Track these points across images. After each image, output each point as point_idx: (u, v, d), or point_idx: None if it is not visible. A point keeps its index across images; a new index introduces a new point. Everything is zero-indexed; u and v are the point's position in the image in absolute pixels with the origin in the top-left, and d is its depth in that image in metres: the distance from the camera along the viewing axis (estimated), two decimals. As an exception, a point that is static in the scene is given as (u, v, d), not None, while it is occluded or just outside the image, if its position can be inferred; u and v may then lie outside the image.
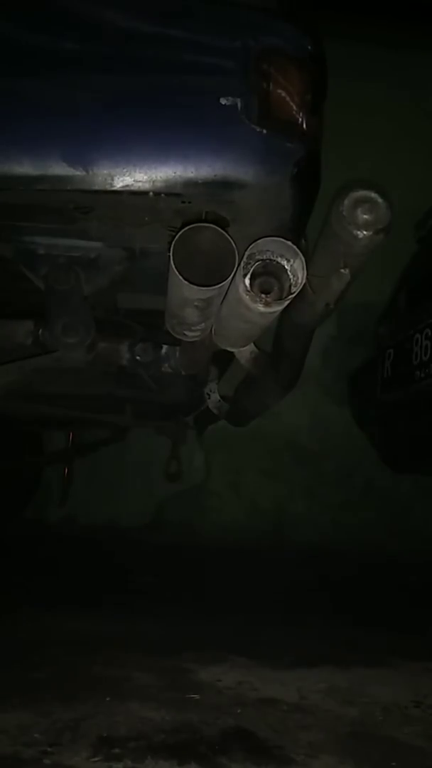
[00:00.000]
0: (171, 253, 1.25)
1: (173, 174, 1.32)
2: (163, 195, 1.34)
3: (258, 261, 1.24)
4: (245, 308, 1.29)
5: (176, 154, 1.33)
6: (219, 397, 2.51)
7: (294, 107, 1.37)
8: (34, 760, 1.12)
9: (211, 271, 1.28)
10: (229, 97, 1.32)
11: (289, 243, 1.25)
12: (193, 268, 1.27)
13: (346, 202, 1.21)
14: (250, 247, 1.24)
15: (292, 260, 1.25)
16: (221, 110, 1.32)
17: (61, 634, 1.91)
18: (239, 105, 1.32)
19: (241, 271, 1.24)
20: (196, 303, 1.38)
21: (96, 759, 1.13)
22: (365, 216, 1.21)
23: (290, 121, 1.37)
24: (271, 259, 1.25)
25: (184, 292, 1.32)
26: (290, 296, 1.25)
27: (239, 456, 4.17)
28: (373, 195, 1.22)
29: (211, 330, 1.60)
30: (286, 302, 1.26)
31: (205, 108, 1.34)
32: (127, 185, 1.32)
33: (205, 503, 4.19)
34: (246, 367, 1.90)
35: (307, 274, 1.27)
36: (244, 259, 1.24)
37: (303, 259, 1.25)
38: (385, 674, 1.71)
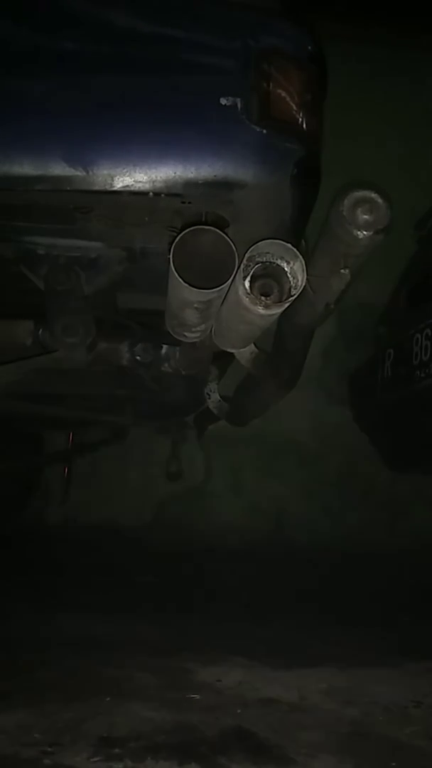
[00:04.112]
0: (171, 256, 1.25)
1: (173, 174, 1.32)
2: (163, 195, 1.34)
3: (258, 263, 1.24)
4: (245, 310, 1.29)
5: (176, 154, 1.33)
6: (219, 397, 2.50)
7: (294, 107, 1.37)
8: (34, 760, 1.12)
9: (211, 273, 1.28)
10: (229, 97, 1.32)
11: (289, 245, 1.24)
12: (193, 270, 1.27)
13: (345, 202, 1.21)
14: (250, 249, 1.24)
15: (291, 262, 1.25)
16: (221, 110, 1.32)
17: (61, 634, 1.91)
18: (239, 105, 1.32)
19: (241, 274, 1.24)
20: (196, 305, 1.38)
21: (96, 759, 1.13)
22: (365, 216, 1.21)
23: (290, 121, 1.37)
24: (271, 262, 1.25)
25: (184, 294, 1.32)
26: (290, 298, 1.25)
27: (239, 456, 4.17)
28: (373, 195, 1.22)
29: (211, 331, 1.60)
30: (286, 305, 1.26)
31: (206, 108, 1.34)
32: (127, 185, 1.32)
33: (205, 503, 4.19)
34: (246, 367, 1.89)
35: (307, 275, 1.27)
36: (244, 261, 1.24)
37: (303, 261, 1.25)
38: (385, 674, 1.71)
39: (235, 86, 1.33)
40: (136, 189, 1.33)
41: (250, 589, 2.87)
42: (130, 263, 1.64)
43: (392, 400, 2.71)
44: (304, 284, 1.26)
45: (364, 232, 1.21)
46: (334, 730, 1.32)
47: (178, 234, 1.27)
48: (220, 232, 1.28)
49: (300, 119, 1.37)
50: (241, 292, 1.25)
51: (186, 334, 1.59)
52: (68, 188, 1.33)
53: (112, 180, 1.32)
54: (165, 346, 1.94)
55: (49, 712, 1.31)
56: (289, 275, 1.25)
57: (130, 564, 3.25)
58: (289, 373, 1.96)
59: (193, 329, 1.55)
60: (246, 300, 1.24)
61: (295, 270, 1.25)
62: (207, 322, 1.50)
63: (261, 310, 1.24)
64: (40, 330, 1.77)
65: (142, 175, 1.32)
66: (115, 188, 1.33)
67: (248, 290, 1.23)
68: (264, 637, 2.03)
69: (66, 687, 1.46)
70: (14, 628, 1.96)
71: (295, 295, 1.25)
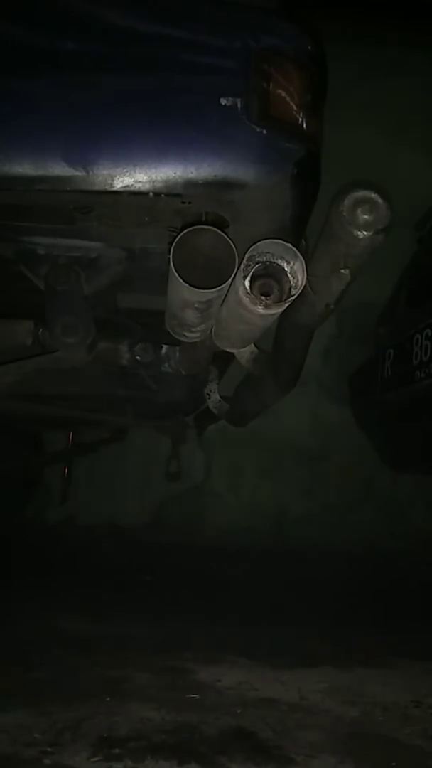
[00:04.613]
0: (171, 256, 1.25)
1: (173, 174, 1.32)
2: (163, 195, 1.34)
3: (258, 263, 1.24)
4: (245, 310, 1.29)
5: (176, 154, 1.33)
6: (219, 397, 2.50)
7: (294, 107, 1.37)
8: (34, 760, 1.12)
9: (211, 272, 1.28)
10: (229, 97, 1.32)
11: (289, 245, 1.24)
12: (193, 270, 1.27)
13: (345, 202, 1.21)
14: (250, 249, 1.24)
15: (292, 262, 1.25)
16: (221, 110, 1.32)
17: (61, 634, 1.91)
18: (239, 105, 1.32)
19: (241, 273, 1.24)
20: (196, 305, 1.38)
21: (96, 759, 1.13)
22: (365, 216, 1.21)
23: (290, 122, 1.37)
24: (271, 261, 1.25)
25: (184, 294, 1.32)
26: (290, 298, 1.25)
27: (239, 456, 4.17)
28: (373, 195, 1.22)
29: (211, 331, 1.60)
30: (286, 304, 1.26)
31: (206, 108, 1.33)
32: (127, 185, 1.32)
33: (205, 503, 4.19)
34: (246, 367, 1.90)
35: (308, 275, 1.27)
36: (244, 261, 1.24)
37: (303, 261, 1.25)
38: (385, 674, 1.71)
39: (235, 86, 1.33)
40: (136, 189, 1.33)
41: (250, 588, 2.87)
42: (130, 263, 1.64)
43: (392, 400, 2.71)
44: (304, 284, 1.26)
45: (364, 232, 1.21)
46: (334, 730, 1.32)
47: (178, 234, 1.27)
48: (220, 232, 1.28)
49: (300, 119, 1.37)
50: (241, 291, 1.25)
51: (186, 334, 1.59)
52: (68, 188, 1.33)
53: (112, 180, 1.32)
54: (165, 346, 1.94)
55: (49, 712, 1.31)
56: (289, 275, 1.25)
57: (129, 564, 3.25)
58: (288, 373, 1.96)
59: (193, 329, 1.55)
60: (246, 300, 1.24)
61: (295, 270, 1.25)
62: (207, 322, 1.50)
63: (261, 310, 1.24)
64: (40, 330, 1.77)
65: (142, 175, 1.32)
66: (115, 188, 1.33)
67: (248, 290, 1.23)
68: (264, 637, 2.03)
69: (66, 687, 1.46)
70: (14, 627, 1.96)
71: (295, 295, 1.25)
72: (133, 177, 1.32)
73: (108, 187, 1.33)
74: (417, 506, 4.06)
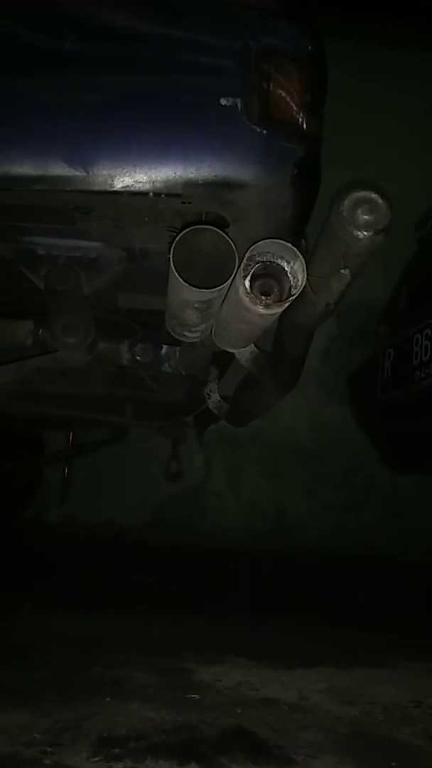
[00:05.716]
0: (171, 256, 1.25)
1: (173, 174, 1.32)
2: (163, 195, 1.34)
3: (258, 263, 1.24)
4: (245, 310, 1.28)
5: (176, 154, 1.33)
6: (219, 397, 2.50)
7: (294, 107, 1.37)
8: (34, 760, 1.12)
9: (212, 272, 1.28)
10: (229, 98, 1.32)
11: (289, 245, 1.24)
12: (193, 270, 1.27)
13: (346, 202, 1.21)
14: (250, 248, 1.24)
15: (292, 262, 1.25)
16: (221, 110, 1.32)
17: (61, 634, 1.91)
18: (239, 105, 1.32)
19: (241, 273, 1.24)
20: (196, 305, 1.38)
21: (96, 759, 1.13)
22: (365, 216, 1.20)
23: (290, 122, 1.37)
24: (271, 261, 1.24)
25: (184, 294, 1.32)
26: (290, 298, 1.25)
27: (239, 456, 4.18)
28: (373, 195, 1.21)
29: (211, 331, 1.60)
30: (286, 304, 1.26)
31: (206, 108, 1.33)
32: (127, 186, 1.32)
33: (205, 503, 4.19)
34: (246, 367, 1.89)
35: (308, 275, 1.27)
36: (244, 261, 1.24)
37: (303, 261, 1.25)
38: (385, 674, 1.71)
39: (235, 86, 1.33)
40: (136, 189, 1.33)
41: (250, 588, 2.87)
42: (130, 263, 1.64)
43: (392, 400, 2.70)
44: (304, 284, 1.25)
45: (365, 233, 1.21)
46: (334, 730, 1.32)
47: (178, 234, 1.27)
48: (220, 232, 1.28)
49: (300, 119, 1.37)
50: (241, 291, 1.25)
51: (186, 334, 1.59)
52: (68, 188, 1.33)
53: (112, 180, 1.32)
54: (165, 346, 1.94)
55: (49, 712, 1.31)
56: (289, 275, 1.24)
57: (129, 564, 3.25)
58: (289, 373, 1.96)
59: (193, 329, 1.55)
60: (246, 299, 1.24)
61: (295, 270, 1.25)
62: (207, 322, 1.50)
63: (261, 310, 1.24)
64: (40, 330, 1.77)
65: (142, 175, 1.32)
66: (115, 188, 1.33)
67: (248, 290, 1.23)
68: (264, 637, 2.03)
69: (66, 687, 1.46)
70: (14, 627, 1.96)
71: (295, 294, 1.25)
72: (133, 177, 1.32)
73: (108, 187, 1.33)
74: (417, 506, 4.06)
